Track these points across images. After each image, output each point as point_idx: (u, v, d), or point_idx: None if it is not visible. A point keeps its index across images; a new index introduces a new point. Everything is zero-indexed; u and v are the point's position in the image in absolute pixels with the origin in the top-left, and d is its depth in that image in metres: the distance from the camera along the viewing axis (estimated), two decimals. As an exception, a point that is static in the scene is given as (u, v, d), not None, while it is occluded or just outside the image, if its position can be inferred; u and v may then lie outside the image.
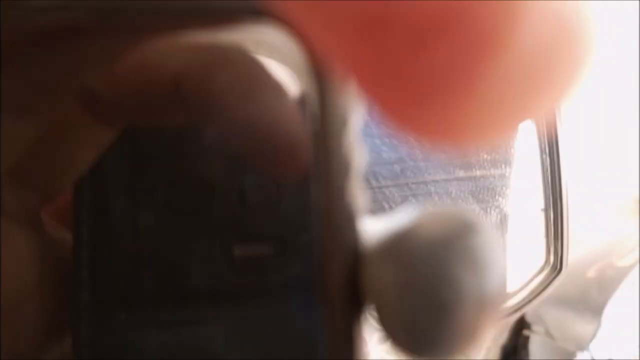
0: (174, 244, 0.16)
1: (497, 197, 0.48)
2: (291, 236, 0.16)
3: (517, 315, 0.43)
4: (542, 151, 0.49)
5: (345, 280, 0.13)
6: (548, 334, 0.55)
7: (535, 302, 0.42)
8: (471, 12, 0.06)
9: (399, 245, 0.13)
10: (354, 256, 0.13)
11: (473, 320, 0.12)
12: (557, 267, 0.42)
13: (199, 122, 0.15)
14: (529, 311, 0.53)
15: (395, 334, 0.13)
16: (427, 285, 0.12)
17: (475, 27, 0.06)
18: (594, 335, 0.54)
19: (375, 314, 0.13)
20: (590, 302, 0.54)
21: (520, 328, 0.56)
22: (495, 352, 0.57)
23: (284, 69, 0.14)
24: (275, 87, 0.14)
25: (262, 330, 0.15)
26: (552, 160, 0.48)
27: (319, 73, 0.13)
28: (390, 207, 0.45)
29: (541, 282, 0.42)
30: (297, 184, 0.15)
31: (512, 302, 0.42)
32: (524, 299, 0.42)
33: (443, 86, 0.07)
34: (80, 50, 0.13)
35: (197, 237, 0.16)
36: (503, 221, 0.47)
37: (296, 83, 0.14)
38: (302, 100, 0.14)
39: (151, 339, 0.16)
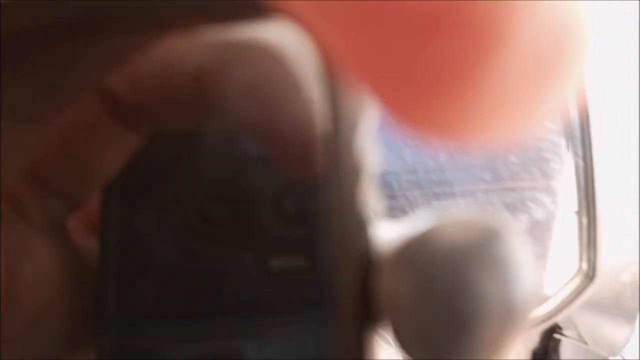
0: (205, 256, 0.15)
1: (528, 202, 0.47)
2: (323, 247, 0.15)
3: (547, 324, 0.42)
4: (574, 154, 0.48)
5: (356, 290, 0.13)
6: (580, 338, 0.54)
7: (566, 311, 0.41)
8: (470, 4, 0.06)
9: (415, 252, 0.12)
10: (366, 263, 0.13)
11: (496, 335, 0.11)
12: (589, 275, 0.41)
13: (221, 120, 0.15)
14: (560, 315, 0.52)
15: (410, 348, 0.12)
16: (446, 296, 0.12)
17: (475, 19, 0.06)
18: (627, 341, 0.53)
19: (389, 326, 0.13)
20: (625, 306, 0.53)
21: (551, 331, 0.55)
22: (525, 355, 0.56)
23: (295, 69, 0.14)
24: (294, 84, 0.14)
25: (295, 344, 0.15)
26: (585, 162, 0.47)
27: (328, 74, 0.13)
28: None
29: (573, 291, 0.41)
30: (322, 190, 0.14)
31: (542, 310, 0.41)
32: (554, 308, 0.41)
33: (445, 80, 0.07)
34: (82, 53, 0.12)
35: (230, 248, 0.15)
36: (535, 228, 0.46)
37: (306, 83, 0.14)
38: (313, 101, 0.14)
39: (180, 353, 0.15)
